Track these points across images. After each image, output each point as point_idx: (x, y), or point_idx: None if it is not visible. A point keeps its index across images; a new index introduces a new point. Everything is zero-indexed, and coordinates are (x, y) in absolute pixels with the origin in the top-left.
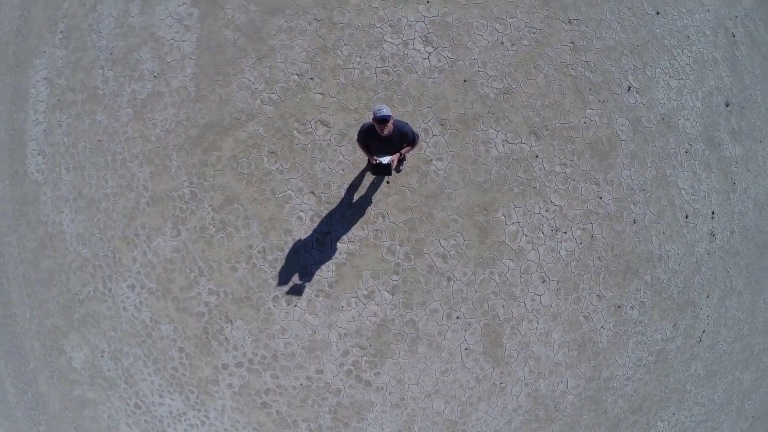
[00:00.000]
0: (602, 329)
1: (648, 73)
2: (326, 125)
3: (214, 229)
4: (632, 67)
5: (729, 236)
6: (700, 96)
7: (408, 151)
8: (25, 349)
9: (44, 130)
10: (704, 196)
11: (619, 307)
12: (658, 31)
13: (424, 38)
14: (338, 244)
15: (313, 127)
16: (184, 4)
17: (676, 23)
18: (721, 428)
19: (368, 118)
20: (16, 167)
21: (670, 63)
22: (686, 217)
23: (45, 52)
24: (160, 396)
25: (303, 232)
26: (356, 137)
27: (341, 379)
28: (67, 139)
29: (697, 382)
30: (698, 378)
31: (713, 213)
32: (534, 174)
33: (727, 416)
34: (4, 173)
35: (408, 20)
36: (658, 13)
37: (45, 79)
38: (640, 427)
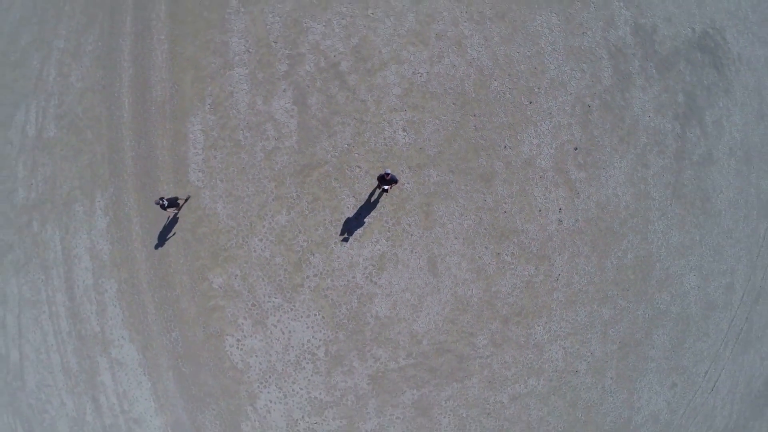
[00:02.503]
0: (489, 264)
1: (518, 137)
2: (360, 168)
3: (308, 212)
4: (508, 135)
5: (574, 222)
6: (554, 146)
7: (395, 185)
8: (174, 282)
9: (203, 159)
10: (553, 200)
11: (498, 254)
12: (528, 113)
13: (403, 129)
14: (364, 219)
15: (354, 169)
16: (288, 102)
17: (543, 106)
18: (589, 343)
19: (381, 169)
20: (179, 177)
21: (534, 130)
22: (539, 210)
23: (198, 114)
24: (269, 297)
25: (349, 213)
26: (376, 178)
27: (362, 280)
28: (221, 164)
29: (560, 305)
30: (560, 303)
31: (560, 209)
32: (450, 190)
33: (594, 336)
34: (169, 180)
35: (396, 120)
36: (530, 103)
37: (200, 130)
38: (523, 326)
